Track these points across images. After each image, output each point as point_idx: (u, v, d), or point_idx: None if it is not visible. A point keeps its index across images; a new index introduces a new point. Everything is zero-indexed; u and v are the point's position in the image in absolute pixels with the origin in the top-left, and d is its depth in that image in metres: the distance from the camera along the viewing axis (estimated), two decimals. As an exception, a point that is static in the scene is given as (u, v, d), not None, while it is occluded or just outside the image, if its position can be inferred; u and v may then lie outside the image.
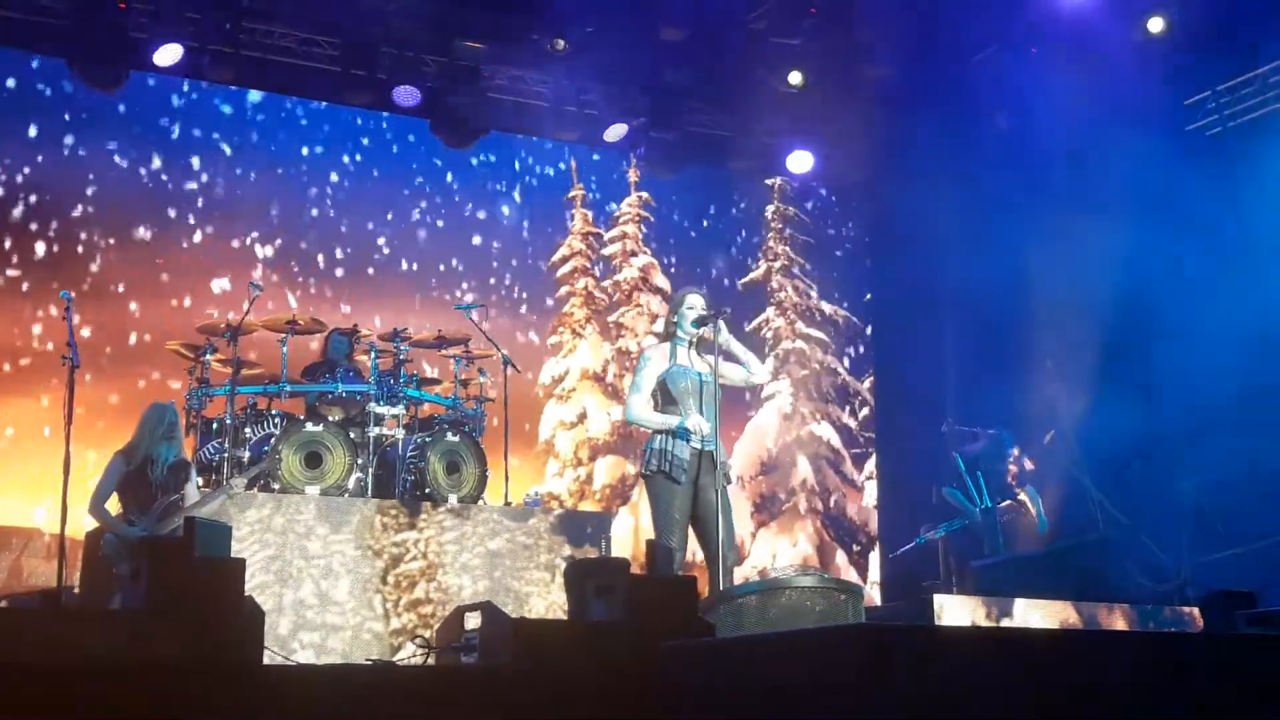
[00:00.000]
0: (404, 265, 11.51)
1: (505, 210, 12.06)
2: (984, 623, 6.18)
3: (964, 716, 3.65)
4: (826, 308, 13.21)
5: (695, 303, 6.77)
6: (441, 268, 11.67)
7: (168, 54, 9.85)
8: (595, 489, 12.16)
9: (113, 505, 7.29)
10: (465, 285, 11.76)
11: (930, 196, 10.77)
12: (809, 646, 4.01)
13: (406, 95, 10.57)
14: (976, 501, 9.37)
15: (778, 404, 12.98)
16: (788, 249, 13.17)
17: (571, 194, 12.46)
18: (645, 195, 12.57)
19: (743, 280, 12.98)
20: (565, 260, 12.40)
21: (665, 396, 6.64)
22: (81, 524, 7.46)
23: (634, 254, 12.66)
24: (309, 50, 10.51)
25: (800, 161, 11.67)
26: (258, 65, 10.48)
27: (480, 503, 8.50)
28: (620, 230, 12.65)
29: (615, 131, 11.19)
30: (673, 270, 12.69)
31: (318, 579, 7.77)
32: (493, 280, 11.93)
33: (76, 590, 7.26)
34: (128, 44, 9.83)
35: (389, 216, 11.50)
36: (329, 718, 4.39)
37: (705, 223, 12.94)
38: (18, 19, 9.72)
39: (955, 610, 6.20)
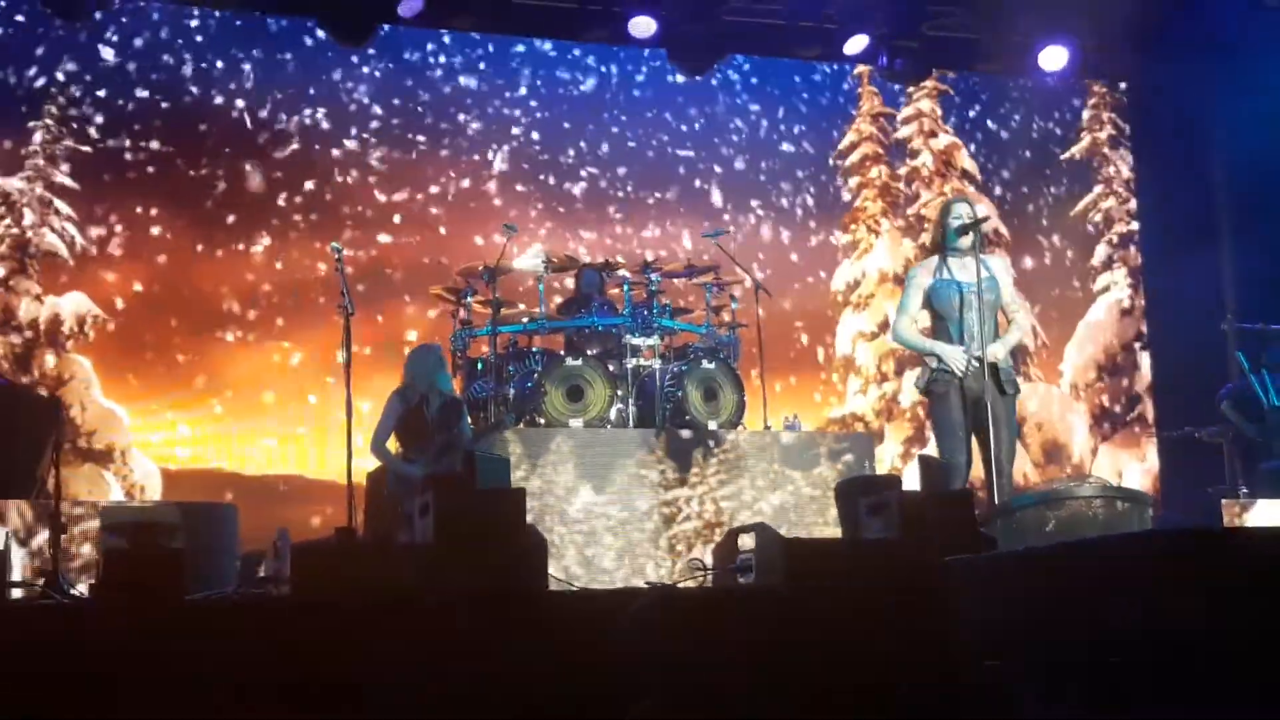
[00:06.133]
0: (654, 193, 11.10)
1: (776, 108, 11.09)
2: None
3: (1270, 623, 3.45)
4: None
5: (961, 211, 6.63)
6: (699, 184, 11.00)
7: (407, 6, 10.06)
8: (904, 406, 11.00)
9: (391, 445, 7.58)
10: (732, 201, 10.88)
11: (1197, 81, 10.17)
12: (1099, 557, 3.86)
13: (642, 27, 10.54)
14: (1265, 401, 8.85)
15: (1114, 297, 11.42)
16: (1114, 116, 11.58)
17: (857, 70, 11.17)
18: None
19: (1064, 155, 11.49)
20: (854, 148, 11.13)
21: (933, 313, 6.61)
22: (364, 465, 7.71)
23: (933, 134, 11.27)
24: (543, -13, 10.56)
25: (1054, 58, 11.10)
26: (493, 8, 10.59)
27: (740, 428, 8.48)
28: (915, 109, 11.27)
29: (856, 43, 10.88)
30: (981, 154, 11.17)
31: (581, 546, 7.50)
32: (767, 189, 10.94)
33: (361, 529, 7.57)
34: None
35: (635, 145, 11.16)
36: (611, 639, 4.47)
37: (1008, 89, 11.46)
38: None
39: (1250, 515, 5.92)
